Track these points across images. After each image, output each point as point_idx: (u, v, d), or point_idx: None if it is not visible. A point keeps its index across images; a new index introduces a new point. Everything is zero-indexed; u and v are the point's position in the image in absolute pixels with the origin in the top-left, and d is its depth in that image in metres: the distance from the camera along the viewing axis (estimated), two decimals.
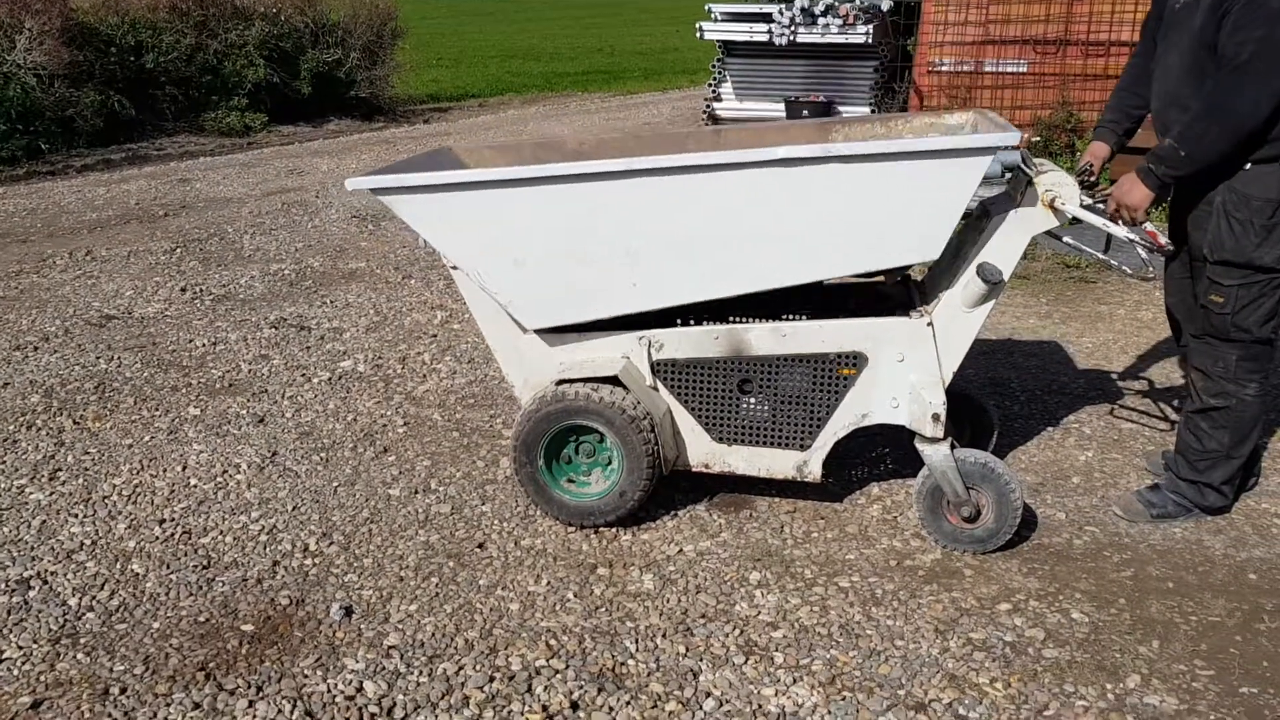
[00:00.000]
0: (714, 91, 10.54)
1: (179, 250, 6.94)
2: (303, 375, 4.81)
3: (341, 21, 13.83)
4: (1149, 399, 4.47)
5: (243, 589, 3.13)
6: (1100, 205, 3.24)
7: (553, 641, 2.87)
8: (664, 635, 2.90)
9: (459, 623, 2.96)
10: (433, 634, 2.91)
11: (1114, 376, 4.75)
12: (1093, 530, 3.44)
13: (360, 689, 2.69)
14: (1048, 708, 2.61)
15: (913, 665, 2.77)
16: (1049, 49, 8.84)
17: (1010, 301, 5.79)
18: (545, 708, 2.61)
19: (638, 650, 2.84)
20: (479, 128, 13.07)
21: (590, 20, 35.13)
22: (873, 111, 9.73)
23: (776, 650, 2.84)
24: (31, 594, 3.11)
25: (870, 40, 9.34)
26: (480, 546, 3.36)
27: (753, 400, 3.37)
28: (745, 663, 2.79)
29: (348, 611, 3.01)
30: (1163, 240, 3.15)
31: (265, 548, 3.36)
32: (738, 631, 2.92)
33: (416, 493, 3.71)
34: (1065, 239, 3.36)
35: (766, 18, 9.69)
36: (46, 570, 3.24)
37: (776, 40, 9.59)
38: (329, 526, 3.48)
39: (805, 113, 9.57)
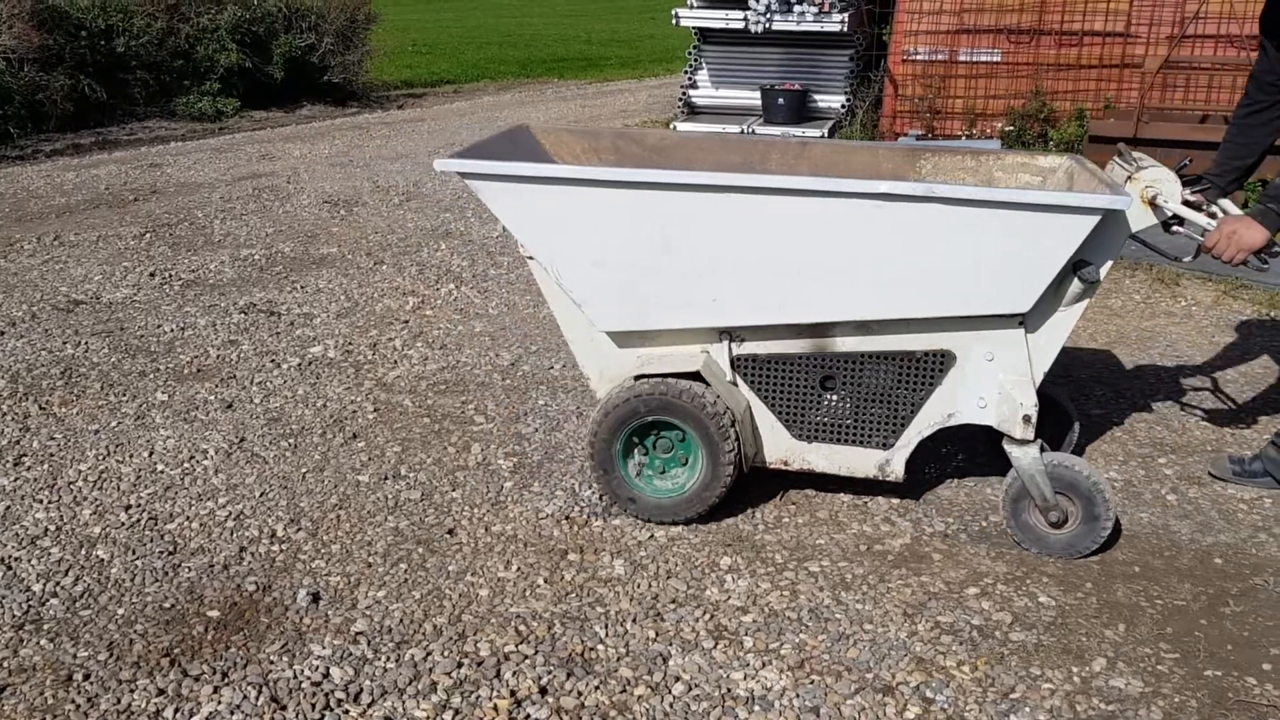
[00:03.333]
0: (690, 79, 10.51)
1: (148, 235, 6.87)
2: (272, 361, 4.77)
3: (315, 6, 13.70)
4: (1110, 383, 4.49)
5: (209, 575, 3.11)
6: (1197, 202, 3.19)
7: (522, 627, 2.86)
8: (634, 620, 2.90)
9: (427, 609, 2.94)
10: (401, 620, 2.89)
11: (1088, 365, 4.77)
12: None
13: (327, 675, 2.67)
14: (1014, 690, 2.62)
15: (881, 648, 2.78)
16: (1022, 38, 8.86)
17: None
18: (514, 693, 2.60)
19: (607, 635, 2.83)
20: (453, 114, 12.99)
21: (567, 7, 34.98)
22: (848, 100, 9.74)
23: (746, 634, 2.84)
24: None
25: (846, 28, 9.33)
26: (450, 533, 3.34)
27: (835, 397, 3.29)
28: (715, 647, 2.79)
29: (315, 598, 2.99)
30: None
31: (232, 534, 3.33)
32: (708, 616, 2.92)
33: (386, 479, 3.69)
34: (1132, 238, 3.22)
35: (742, 4, 9.66)
36: (10, 556, 3.20)
37: (752, 27, 9.56)
38: (297, 512, 3.46)
39: (781, 101, 9.57)
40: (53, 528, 3.36)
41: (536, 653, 2.75)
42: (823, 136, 8.98)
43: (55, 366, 4.67)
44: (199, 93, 12.13)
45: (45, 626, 2.86)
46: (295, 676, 2.66)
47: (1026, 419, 3.11)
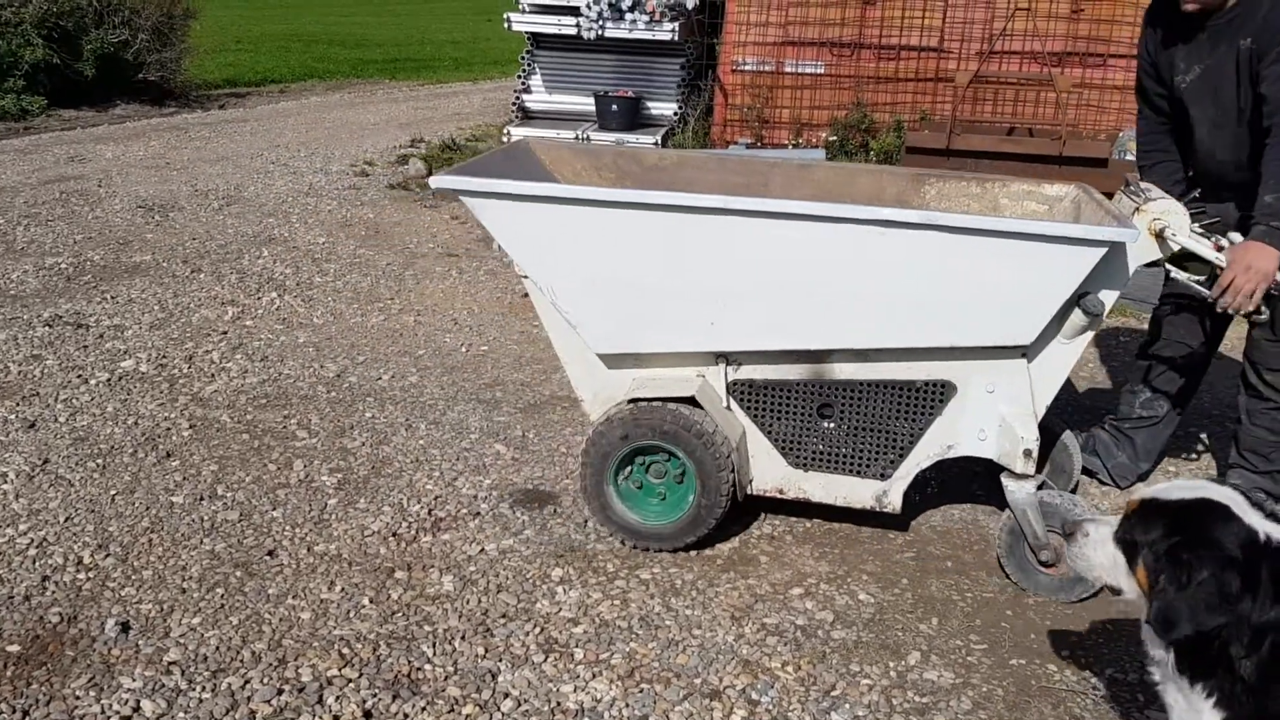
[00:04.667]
0: (523, 84, 10.47)
1: None
2: (79, 376, 4.51)
3: (129, 1, 13.03)
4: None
5: (8, 607, 2.91)
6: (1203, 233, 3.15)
7: (345, 650, 2.79)
8: (463, 637, 2.86)
9: (246, 634, 2.83)
10: (217, 647, 2.77)
11: None
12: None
13: (137, 708, 2.54)
14: (835, 688, 2.71)
15: (709, 653, 2.83)
16: (844, 52, 9.18)
17: None
18: (337, 718, 2.53)
19: (435, 654, 2.79)
20: (279, 114, 12.58)
21: (400, 7, 34.35)
22: (680, 108, 9.88)
23: (577, 646, 2.84)
24: None
25: (676, 37, 9.46)
26: (270, 554, 3.23)
27: (832, 425, 3.24)
28: (545, 661, 2.78)
29: (124, 627, 2.84)
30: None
31: (34, 562, 3.13)
32: (538, 630, 2.91)
33: (202, 499, 3.53)
34: (1173, 274, 3.20)
35: (574, 11, 9.68)
36: None
37: (585, 34, 9.59)
38: (105, 538, 3.28)
39: (614, 107, 9.63)
40: None
41: (361, 675, 2.69)
42: (655, 143, 9.09)
43: None
44: (1, 90, 11.38)
45: None
46: (103, 711, 2.52)
47: (1027, 453, 3.04)
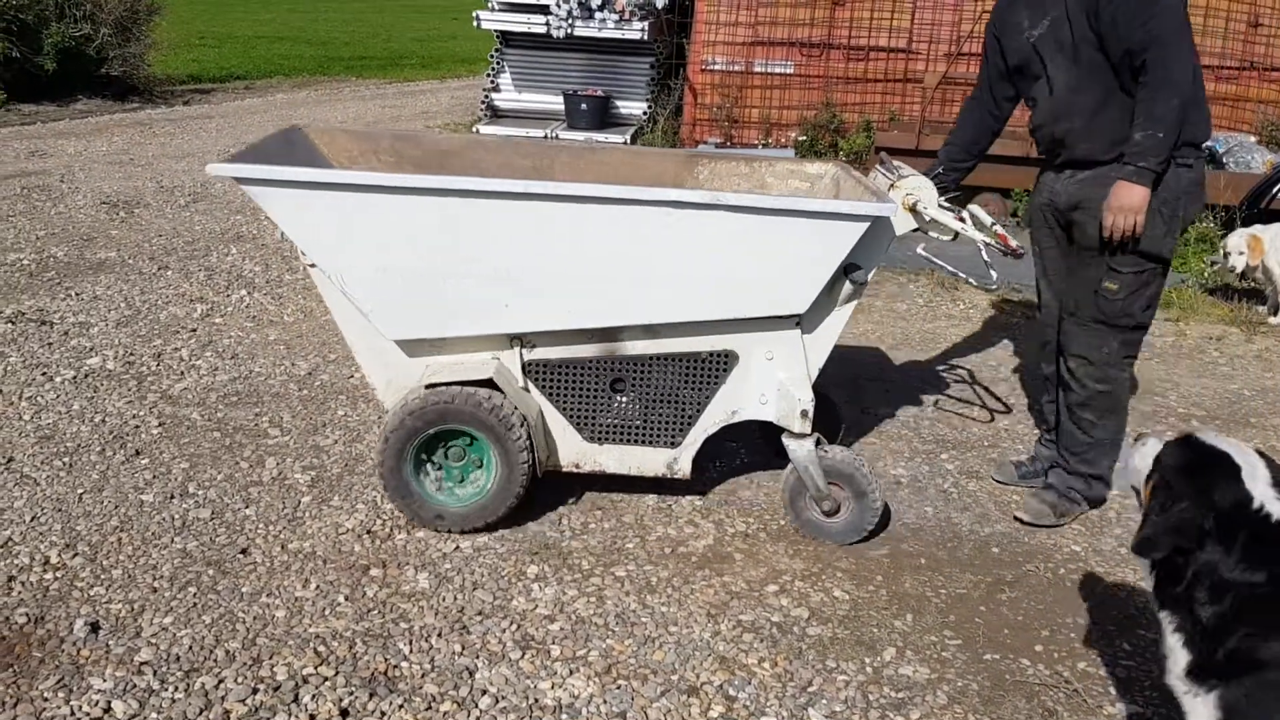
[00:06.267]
0: (492, 82, 10.44)
1: None
2: (43, 374, 4.44)
3: None
4: (897, 383, 4.73)
5: None
6: (952, 209, 3.36)
7: (321, 648, 2.76)
8: (439, 635, 2.85)
9: (219, 633, 2.80)
10: (190, 647, 2.74)
11: (876, 365, 5.00)
12: None
13: (108, 709, 2.50)
14: (811, 684, 2.72)
15: (685, 650, 2.83)
16: (814, 52, 9.22)
17: None
18: (313, 717, 2.51)
19: (412, 651, 2.77)
20: (245, 111, 12.46)
21: (367, 5, 34.12)
22: (649, 107, 9.89)
23: (554, 643, 2.83)
24: None
25: (646, 36, 9.47)
26: (244, 552, 3.19)
27: (624, 399, 3.35)
28: (522, 657, 2.77)
29: (94, 627, 2.80)
30: (1013, 243, 3.30)
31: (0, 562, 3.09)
32: (515, 626, 2.90)
33: (172, 497, 3.49)
34: (920, 250, 3.48)
35: (544, 9, 9.67)
36: None
37: (554, 33, 9.58)
38: (73, 537, 3.23)
39: (584, 106, 9.63)
40: None
41: (337, 673, 2.67)
42: (625, 142, 9.09)
43: None
44: None
45: None
46: (73, 713, 2.49)
47: (804, 414, 3.26)
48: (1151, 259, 3.33)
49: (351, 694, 2.59)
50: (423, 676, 2.68)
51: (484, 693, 2.63)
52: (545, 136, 9.20)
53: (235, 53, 18.65)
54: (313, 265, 3.21)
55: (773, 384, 3.33)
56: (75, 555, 3.13)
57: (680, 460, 3.43)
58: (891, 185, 3.34)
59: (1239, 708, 1.95)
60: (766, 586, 3.14)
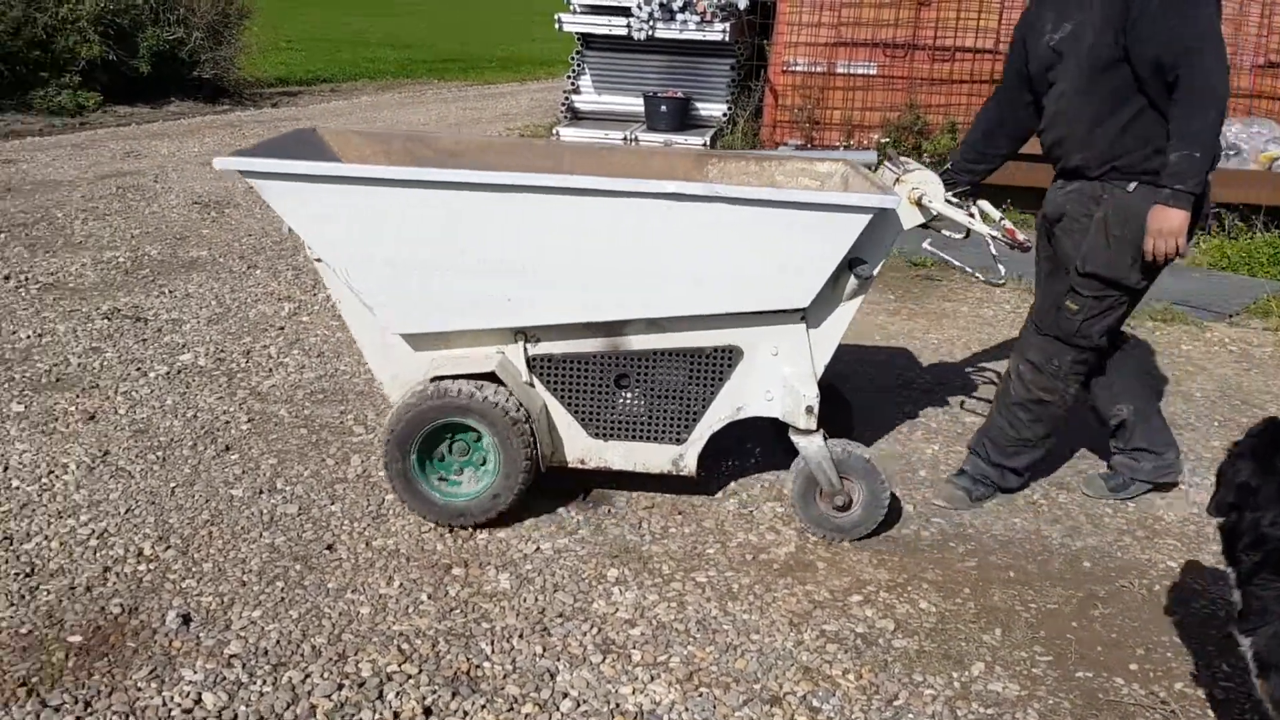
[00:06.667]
0: (573, 84, 10.48)
1: (3, 235, 6.50)
2: (138, 369, 4.56)
3: None
4: (993, 393, 4.63)
5: (70, 598, 2.94)
6: (958, 202, 3.36)
7: (405, 645, 2.78)
8: (520, 636, 2.85)
9: (306, 628, 2.84)
10: (277, 641, 2.78)
11: (960, 372, 4.91)
12: (939, 521, 3.54)
13: (199, 701, 2.55)
14: (897, 697, 2.67)
15: (768, 659, 2.79)
16: (898, 53, 9.09)
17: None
18: (397, 715, 2.53)
19: (493, 652, 2.78)
20: (331, 113, 12.70)
21: (448, 8, 34.56)
22: (729, 109, 9.84)
23: (634, 648, 2.82)
24: None
25: (727, 38, 9.42)
26: (329, 548, 3.24)
27: (629, 395, 3.36)
28: (603, 661, 2.76)
29: (185, 619, 2.85)
30: (1021, 237, 3.27)
31: (95, 553, 3.16)
32: (595, 630, 2.89)
33: (261, 493, 3.55)
34: (926, 245, 3.49)
35: (625, 11, 9.67)
36: None
37: (635, 34, 9.57)
38: (166, 529, 3.30)
39: (663, 108, 9.61)
40: None
41: (420, 672, 2.68)
42: (704, 145, 9.06)
43: None
44: (58, 86, 11.56)
45: None
46: (165, 704, 2.54)
47: (809, 410, 3.25)
48: (1115, 286, 3.29)
49: (435, 692, 2.61)
50: (504, 677, 2.68)
51: (565, 696, 2.62)
52: (624, 138, 9.21)
53: (320, 56, 19.03)
54: (318, 260, 3.25)
55: (778, 380, 3.32)
56: (168, 548, 3.20)
57: (686, 457, 3.42)
58: (897, 179, 3.31)
59: (1266, 653, 2.19)
60: (850, 596, 3.09)
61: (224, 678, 2.63)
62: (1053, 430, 3.57)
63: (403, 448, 3.25)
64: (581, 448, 3.44)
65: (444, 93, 15.46)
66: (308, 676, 2.65)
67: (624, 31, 9.64)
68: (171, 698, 2.56)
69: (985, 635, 2.94)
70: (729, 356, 3.30)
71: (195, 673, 2.64)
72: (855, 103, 9.24)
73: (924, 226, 3.35)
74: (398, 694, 2.60)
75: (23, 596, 2.93)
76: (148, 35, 12.42)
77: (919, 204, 3.26)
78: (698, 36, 9.47)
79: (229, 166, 3.10)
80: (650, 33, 9.53)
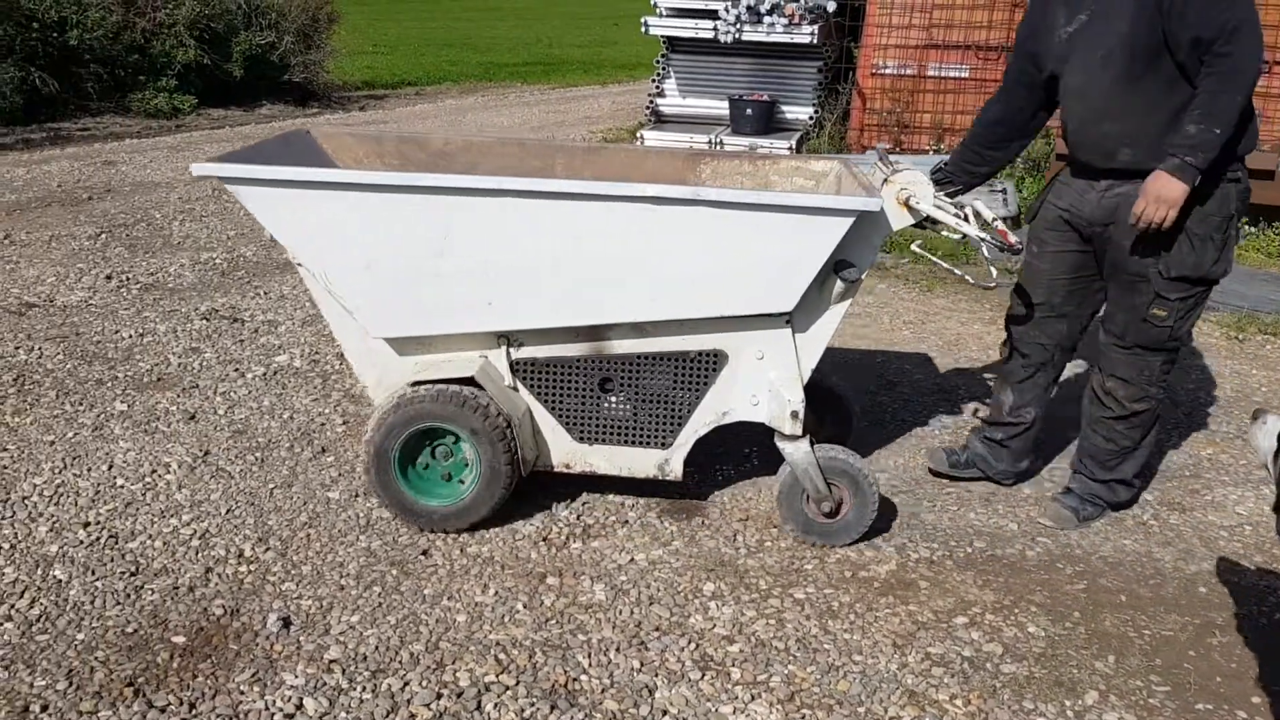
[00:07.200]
0: (658, 87, 10.45)
1: (104, 235, 6.67)
2: (236, 370, 4.62)
3: (276, 4, 13.48)
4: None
5: (173, 598, 2.98)
6: (950, 205, 3.27)
7: (502, 655, 2.77)
8: (617, 649, 2.82)
9: (404, 635, 2.84)
10: (376, 647, 2.78)
11: (957, 374, 4.76)
12: (1045, 541, 3.43)
13: (300, 706, 2.56)
14: None
15: (872, 681, 2.72)
16: (990, 55, 8.90)
17: (955, 304, 5.80)
18: None
19: (591, 665, 2.75)
20: (416, 116, 12.84)
21: (528, 11, 34.84)
22: (815, 112, 9.73)
23: (733, 665, 2.77)
24: None
25: (815, 40, 9.31)
26: (424, 554, 3.24)
27: (614, 399, 3.34)
28: (702, 678, 2.71)
29: (286, 622, 2.87)
30: (1013, 239, 3.16)
31: (197, 553, 3.20)
32: (693, 645, 2.84)
33: (357, 496, 3.57)
34: (914, 248, 3.47)
35: (712, 14, 9.61)
36: None
37: (722, 37, 9.51)
38: (265, 531, 3.33)
39: (749, 111, 9.53)
40: (6, 545, 3.21)
41: (518, 683, 2.66)
42: (790, 148, 8.97)
43: (7, 373, 4.50)
44: (155, 89, 11.87)
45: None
46: (267, 708, 2.55)
47: (795, 415, 3.21)
48: (1202, 283, 3.20)
49: (533, 705, 2.58)
50: (602, 692, 2.65)
51: (665, 713, 2.58)
52: (709, 142, 9.15)
53: (405, 60, 19.29)
54: (299, 264, 3.24)
55: (764, 385, 3.28)
56: (267, 549, 3.23)
57: (672, 461, 3.39)
58: (885, 180, 3.22)
59: None
60: (955, 618, 3.00)
61: (324, 683, 2.64)
62: (1150, 430, 3.46)
63: (383, 455, 3.24)
64: (566, 452, 3.42)
65: (526, 96, 15.55)
66: (406, 684, 2.64)
67: (710, 34, 9.58)
68: (274, 702, 2.57)
69: (1098, 662, 2.83)
70: (714, 361, 3.26)
71: (296, 677, 2.66)
72: (946, 106, 9.07)
73: (918, 226, 3.28)
74: (496, 705, 2.58)
75: (128, 595, 2.98)
76: (240, 40, 12.70)
77: (907, 205, 3.17)
78: (785, 39, 9.37)
79: (206, 173, 3.10)
80: (737, 35, 9.46)
